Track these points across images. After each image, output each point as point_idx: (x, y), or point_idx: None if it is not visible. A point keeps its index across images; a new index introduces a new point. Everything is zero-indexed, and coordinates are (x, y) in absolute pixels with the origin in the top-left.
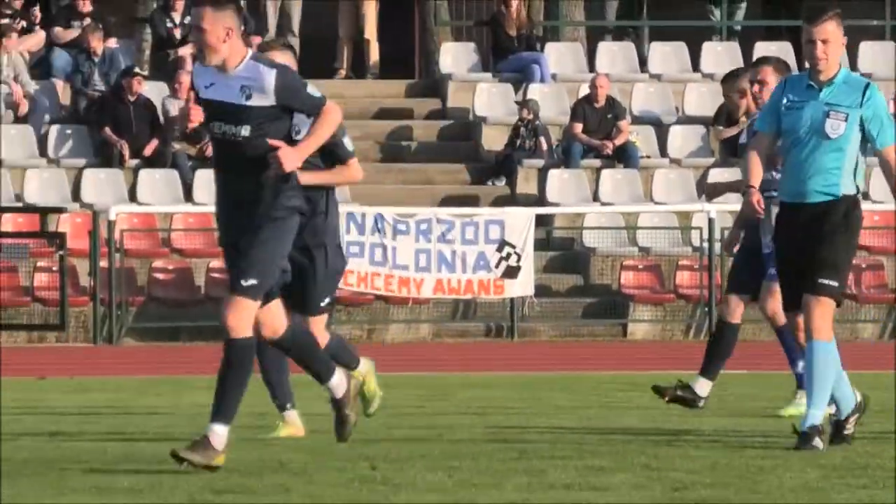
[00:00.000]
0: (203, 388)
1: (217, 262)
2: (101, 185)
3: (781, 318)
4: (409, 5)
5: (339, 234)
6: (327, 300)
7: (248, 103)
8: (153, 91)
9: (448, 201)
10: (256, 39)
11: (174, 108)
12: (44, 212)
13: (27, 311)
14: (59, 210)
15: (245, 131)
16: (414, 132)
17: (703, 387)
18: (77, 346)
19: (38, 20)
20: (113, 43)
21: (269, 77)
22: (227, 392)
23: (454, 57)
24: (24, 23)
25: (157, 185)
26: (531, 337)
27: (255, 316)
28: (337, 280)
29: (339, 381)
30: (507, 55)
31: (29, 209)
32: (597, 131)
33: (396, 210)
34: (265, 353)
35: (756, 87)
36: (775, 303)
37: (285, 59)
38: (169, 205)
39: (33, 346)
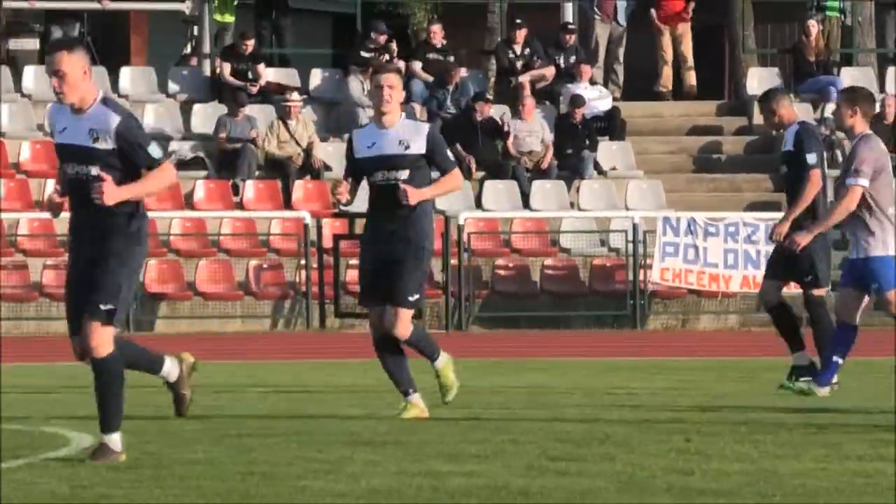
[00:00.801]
0: (537, 370)
1: (551, 261)
2: (451, 194)
3: None
4: (720, 36)
5: (431, 237)
6: (416, 296)
7: (95, 145)
8: (497, 113)
9: (753, 207)
10: (586, 68)
11: (515, 128)
12: None
13: None
14: None
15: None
16: (723, 146)
17: None
18: (431, 332)
19: (395, 53)
20: (463, 72)
21: (114, 122)
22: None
23: (759, 80)
24: (386, 55)
25: (499, 194)
26: None
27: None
28: (423, 277)
29: (169, 367)
30: (807, 78)
31: None
32: (887, 145)
33: (707, 215)
34: (384, 349)
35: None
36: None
37: (393, 80)
38: (509, 211)
39: None
